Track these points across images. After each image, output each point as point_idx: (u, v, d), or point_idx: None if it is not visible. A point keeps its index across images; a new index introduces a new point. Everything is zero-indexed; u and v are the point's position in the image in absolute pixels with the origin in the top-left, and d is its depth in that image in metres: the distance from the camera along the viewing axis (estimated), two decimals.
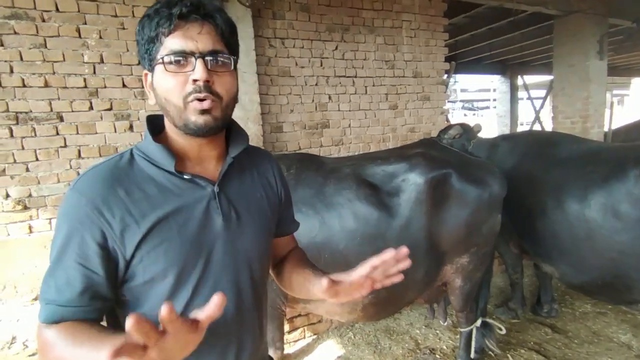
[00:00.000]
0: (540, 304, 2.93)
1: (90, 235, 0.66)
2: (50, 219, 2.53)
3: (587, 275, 2.17)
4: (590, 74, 4.90)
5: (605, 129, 5.58)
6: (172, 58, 0.67)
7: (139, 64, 2.66)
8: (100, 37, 2.56)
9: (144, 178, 0.72)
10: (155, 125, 0.78)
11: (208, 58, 0.68)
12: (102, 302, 0.69)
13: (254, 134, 2.97)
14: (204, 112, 0.69)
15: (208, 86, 0.68)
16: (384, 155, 2.05)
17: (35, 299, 2.45)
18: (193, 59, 0.67)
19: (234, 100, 0.75)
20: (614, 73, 11.09)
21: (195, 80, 0.67)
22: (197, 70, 0.67)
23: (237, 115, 2.88)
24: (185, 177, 0.74)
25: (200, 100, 0.68)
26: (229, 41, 0.72)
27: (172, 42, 0.67)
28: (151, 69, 0.72)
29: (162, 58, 0.68)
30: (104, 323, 0.74)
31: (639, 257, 1.94)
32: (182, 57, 0.67)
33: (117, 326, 0.75)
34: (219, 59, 0.69)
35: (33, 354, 1.87)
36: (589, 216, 2.07)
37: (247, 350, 0.80)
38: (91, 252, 0.66)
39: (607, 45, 5.01)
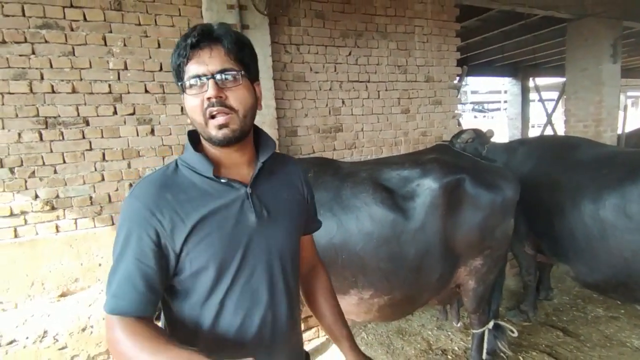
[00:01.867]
0: (538, 290, 3.08)
1: (145, 234, 0.77)
2: (75, 219, 2.64)
3: (601, 274, 2.23)
4: (604, 77, 4.89)
5: (619, 131, 5.54)
6: (190, 82, 0.77)
7: (161, 70, 2.77)
8: (125, 45, 2.67)
9: (187, 183, 0.82)
10: (194, 138, 0.88)
11: (217, 77, 0.77)
12: (155, 295, 0.78)
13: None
14: (221, 127, 0.78)
15: (221, 101, 0.77)
16: (399, 160, 2.11)
17: (62, 295, 2.56)
18: (206, 80, 0.76)
19: (252, 110, 0.83)
20: (628, 75, 10.95)
21: (209, 98, 0.76)
22: (209, 89, 0.76)
23: (255, 119, 2.96)
24: (222, 181, 0.83)
25: (215, 116, 0.77)
26: (239, 57, 0.80)
27: (190, 69, 0.78)
28: (182, 93, 0.82)
29: (184, 83, 0.79)
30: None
31: None
32: (198, 80, 0.77)
33: (169, 315, 0.86)
34: (228, 75, 0.77)
35: (63, 348, 1.97)
36: (604, 217, 2.13)
37: (280, 332, 0.89)
38: (147, 248, 0.76)
39: (621, 48, 4.99)
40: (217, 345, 0.83)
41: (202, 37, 0.77)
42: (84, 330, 2.03)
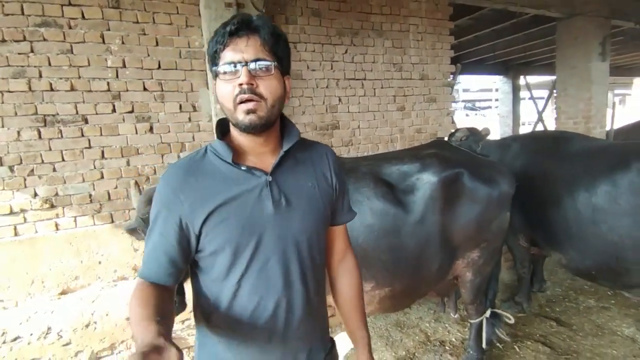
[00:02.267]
0: (531, 282, 3.20)
1: (170, 214, 0.84)
2: (75, 217, 2.64)
3: (592, 260, 2.33)
4: (593, 75, 4.99)
5: (608, 128, 5.67)
6: (226, 68, 0.80)
7: (159, 68, 2.78)
8: (123, 43, 2.68)
9: (212, 169, 0.87)
10: (223, 126, 0.92)
11: (251, 65, 0.79)
12: (176, 269, 0.85)
13: None
14: (249, 112, 0.80)
15: (252, 89, 0.79)
16: (398, 155, 2.15)
17: (62, 293, 2.56)
18: (240, 67, 0.79)
19: (280, 100, 0.85)
20: (616, 73, 11.17)
21: (240, 84, 0.79)
22: (241, 76, 0.79)
23: None
24: (242, 168, 0.87)
25: (245, 101, 0.80)
26: (274, 49, 0.82)
27: (225, 55, 0.81)
28: (214, 79, 0.85)
29: (219, 69, 0.81)
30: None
31: (636, 240, 2.10)
32: (232, 66, 0.79)
33: (195, 286, 0.93)
34: (261, 65, 0.80)
35: (67, 344, 1.98)
36: (595, 204, 2.23)
37: (295, 321, 0.91)
38: (170, 227, 0.84)
39: (610, 47, 5.10)
40: (233, 323, 0.88)
41: (241, 26, 0.80)
42: (87, 326, 2.05)
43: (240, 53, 0.79)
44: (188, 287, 1.53)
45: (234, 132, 0.89)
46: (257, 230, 0.85)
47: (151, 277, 0.83)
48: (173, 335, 2.25)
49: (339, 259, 1.08)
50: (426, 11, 3.88)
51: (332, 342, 1.06)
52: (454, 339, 2.71)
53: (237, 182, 0.86)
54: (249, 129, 0.83)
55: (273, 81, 0.82)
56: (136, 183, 1.66)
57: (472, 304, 2.25)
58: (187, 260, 0.87)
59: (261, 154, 0.90)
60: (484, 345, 2.29)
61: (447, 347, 2.63)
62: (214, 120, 2.91)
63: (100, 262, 2.67)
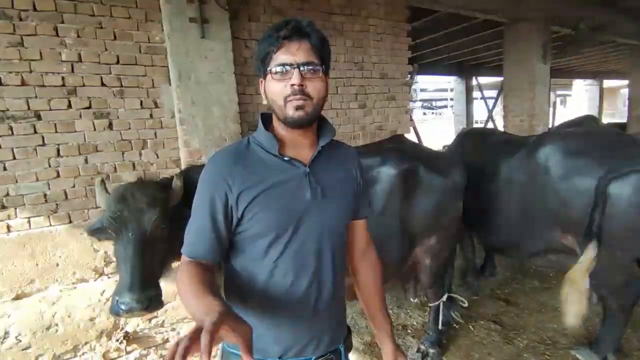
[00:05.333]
0: (484, 268, 3.57)
1: (217, 195, 0.91)
2: (29, 217, 2.52)
3: (495, 236, 2.65)
4: (536, 76, 5.42)
5: (550, 125, 6.18)
6: (278, 69, 0.88)
7: (117, 62, 2.71)
8: (79, 36, 2.58)
9: (256, 158, 0.95)
10: (265, 120, 1.00)
11: (302, 68, 0.87)
12: (221, 246, 0.93)
13: (233, 132, 3.09)
14: (298, 108, 0.89)
15: (302, 89, 0.88)
16: (360, 150, 2.25)
17: (16, 298, 2.44)
18: (292, 69, 0.87)
19: (323, 100, 0.94)
20: (558, 75, 12.09)
21: (292, 85, 0.87)
22: (294, 77, 0.87)
23: (217, 114, 3.00)
24: (285, 159, 0.95)
25: (296, 100, 0.88)
26: (321, 53, 0.91)
27: (278, 57, 0.88)
28: (264, 77, 0.93)
29: (271, 69, 0.89)
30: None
31: (526, 215, 2.38)
32: (285, 68, 0.88)
33: (228, 268, 1.00)
34: (311, 68, 0.88)
35: (27, 348, 1.90)
36: (494, 187, 2.53)
37: (323, 302, 0.98)
38: (218, 207, 0.91)
39: (551, 50, 5.55)
40: (268, 301, 0.94)
41: (294, 31, 0.87)
42: (48, 329, 1.98)
43: (293, 56, 0.87)
44: (164, 284, 1.55)
45: (278, 126, 0.97)
46: (296, 215, 0.93)
47: (200, 255, 0.91)
48: (139, 333, 2.23)
49: (362, 252, 1.15)
50: (385, 12, 4.04)
51: (349, 330, 1.14)
52: (415, 323, 2.88)
53: (279, 171, 0.94)
54: (296, 124, 0.91)
55: (319, 82, 0.91)
56: (102, 181, 1.63)
57: (431, 288, 2.41)
58: (229, 240, 0.95)
59: (300, 147, 0.98)
60: (440, 327, 2.46)
61: (409, 331, 2.79)
62: (177, 117, 2.88)
63: (58, 264, 2.57)
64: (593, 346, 2.34)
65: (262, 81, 0.95)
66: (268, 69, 0.90)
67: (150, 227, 1.49)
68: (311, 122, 0.94)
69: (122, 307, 1.37)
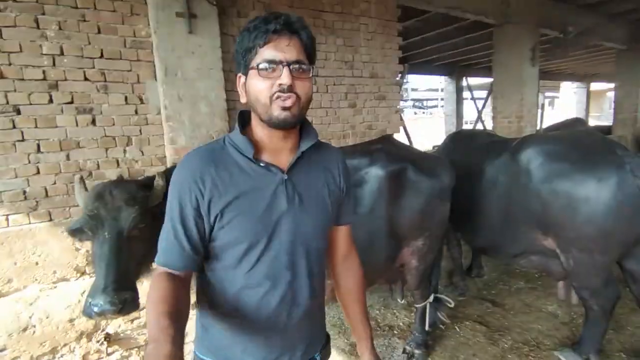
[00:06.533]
0: (471, 269, 3.61)
1: (188, 199, 0.85)
2: (7, 215, 2.45)
3: (479, 237, 2.68)
4: (524, 78, 5.46)
5: (538, 127, 6.24)
6: (265, 65, 0.82)
7: (101, 57, 2.64)
8: (60, 29, 2.51)
9: (231, 161, 0.89)
10: (243, 119, 0.94)
11: (293, 66, 0.82)
12: (195, 254, 0.87)
13: (221, 129, 3.04)
14: (285, 109, 0.83)
15: (291, 88, 0.82)
16: (349, 150, 2.24)
17: None
18: (281, 67, 0.81)
19: (309, 101, 0.89)
20: (546, 77, 12.27)
21: (281, 84, 0.81)
22: (284, 76, 0.81)
23: (205, 111, 2.94)
24: (261, 164, 0.89)
25: (284, 99, 0.82)
26: (310, 52, 0.87)
27: (265, 52, 0.82)
28: (245, 73, 0.86)
29: (257, 65, 0.82)
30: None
31: (508, 217, 2.39)
32: (273, 65, 0.82)
33: (203, 276, 0.94)
34: (301, 67, 0.83)
35: (1, 350, 1.84)
36: (482, 189, 2.54)
37: (298, 314, 0.94)
38: (188, 213, 0.85)
39: (539, 53, 5.61)
40: (238, 311, 0.91)
41: (285, 26, 0.82)
42: (25, 330, 1.92)
43: (282, 53, 0.81)
44: (141, 286, 1.51)
45: (257, 126, 0.91)
46: (271, 224, 0.88)
47: (173, 265, 0.85)
48: (121, 335, 2.18)
49: (343, 258, 1.11)
50: (376, 12, 4.02)
51: (328, 338, 1.10)
52: (401, 324, 2.88)
53: (254, 177, 0.88)
54: (281, 125, 0.85)
55: (307, 83, 0.86)
56: (81, 178, 1.58)
57: (417, 289, 2.41)
58: (203, 248, 0.89)
59: (279, 150, 0.93)
60: (427, 328, 2.46)
61: (395, 332, 2.78)
62: (163, 113, 2.82)
63: (37, 263, 2.50)
64: (575, 347, 2.36)
65: (240, 76, 0.89)
66: (252, 64, 0.83)
67: (128, 227, 1.44)
68: (296, 124, 0.88)
69: (95, 309, 1.32)
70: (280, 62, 0.81)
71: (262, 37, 0.81)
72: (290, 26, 0.83)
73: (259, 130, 0.91)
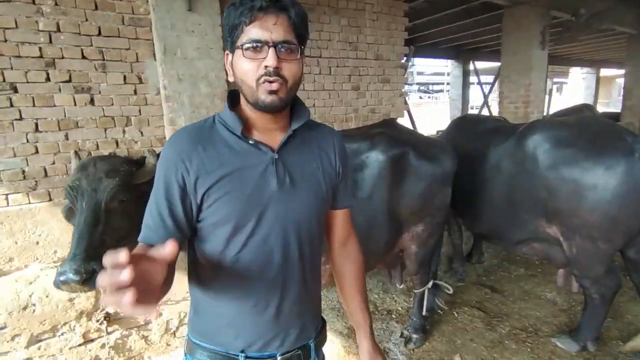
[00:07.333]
0: (471, 254, 3.60)
1: (174, 178, 0.83)
2: (7, 194, 2.44)
3: (480, 222, 2.66)
4: (533, 62, 5.32)
5: (545, 113, 6.13)
6: (250, 45, 0.78)
7: (99, 34, 2.58)
8: (56, 4, 2.44)
9: (219, 139, 0.86)
10: (234, 97, 0.91)
11: (279, 47, 0.78)
12: (180, 233, 0.84)
13: (221, 110, 2.99)
14: (271, 92, 0.79)
15: (277, 71, 0.78)
16: (349, 134, 2.20)
17: None
18: (267, 47, 0.77)
19: (298, 83, 0.85)
20: (554, 62, 11.99)
21: (266, 66, 0.77)
22: (269, 58, 0.77)
23: (205, 91, 2.89)
24: (250, 142, 0.86)
25: (270, 82, 0.78)
26: (299, 31, 0.81)
27: (251, 31, 0.78)
28: (232, 51, 0.83)
29: (242, 45, 0.78)
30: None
31: (512, 203, 2.36)
32: (258, 45, 0.77)
33: (192, 254, 0.93)
34: (288, 48, 0.79)
35: (1, 328, 1.86)
36: (486, 175, 2.51)
37: (290, 298, 0.92)
38: (174, 191, 0.83)
39: (549, 36, 5.45)
40: (228, 294, 0.89)
41: (272, 2, 0.77)
42: (25, 308, 1.94)
43: (269, 32, 0.77)
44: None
45: (246, 106, 0.88)
46: (259, 206, 0.85)
47: (152, 240, 0.81)
48: (121, 314, 2.18)
49: (342, 243, 1.08)
50: None
51: (323, 323, 1.07)
52: (400, 308, 2.89)
53: (243, 155, 0.85)
54: (268, 109, 0.82)
55: (295, 64, 0.81)
56: (76, 152, 1.55)
57: (417, 275, 2.41)
58: (190, 228, 0.86)
59: (270, 130, 0.90)
60: (424, 313, 2.47)
61: (393, 316, 2.80)
62: (163, 93, 2.78)
63: (38, 243, 2.50)
64: (573, 334, 2.36)
65: (228, 54, 0.85)
66: (238, 43, 0.79)
67: (105, 198, 1.41)
68: (284, 107, 0.85)
69: (60, 277, 1.28)
70: (266, 43, 0.77)
71: (248, 14, 0.77)
72: (279, 3, 0.78)
73: (248, 109, 0.88)
